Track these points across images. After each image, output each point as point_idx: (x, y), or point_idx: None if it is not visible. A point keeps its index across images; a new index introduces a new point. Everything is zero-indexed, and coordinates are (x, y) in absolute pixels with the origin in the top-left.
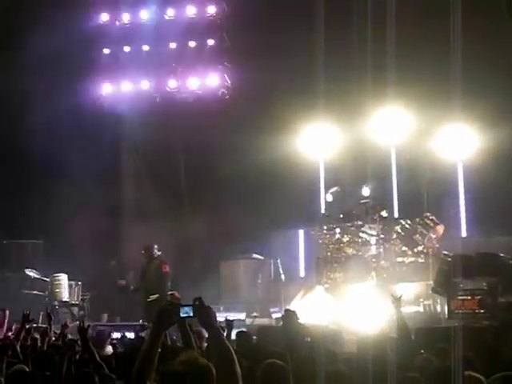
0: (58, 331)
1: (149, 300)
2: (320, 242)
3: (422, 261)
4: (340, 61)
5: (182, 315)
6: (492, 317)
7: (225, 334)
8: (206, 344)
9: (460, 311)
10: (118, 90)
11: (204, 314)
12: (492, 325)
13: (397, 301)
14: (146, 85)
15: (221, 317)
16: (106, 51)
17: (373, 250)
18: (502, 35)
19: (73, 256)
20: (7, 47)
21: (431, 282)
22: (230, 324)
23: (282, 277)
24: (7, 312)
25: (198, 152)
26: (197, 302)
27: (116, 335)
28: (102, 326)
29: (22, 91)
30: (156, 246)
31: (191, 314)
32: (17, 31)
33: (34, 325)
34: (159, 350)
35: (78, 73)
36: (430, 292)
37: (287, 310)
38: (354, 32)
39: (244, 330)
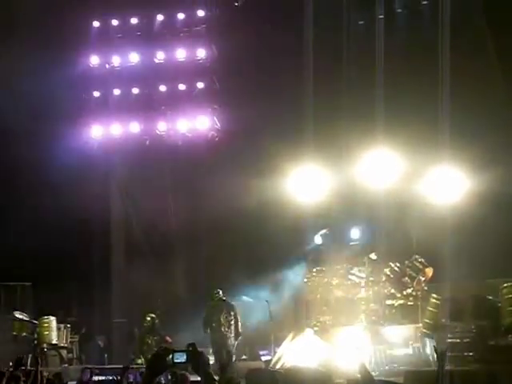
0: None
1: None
2: (309, 284)
3: (411, 303)
4: (329, 103)
5: (175, 361)
6: (481, 360)
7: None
8: None
9: (449, 354)
10: (107, 132)
11: (197, 359)
12: (482, 368)
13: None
14: (135, 127)
15: (211, 360)
16: (96, 94)
17: (362, 292)
18: (489, 78)
19: (62, 299)
20: None
21: (420, 325)
22: (224, 368)
23: (272, 319)
24: None
25: (187, 194)
26: (190, 348)
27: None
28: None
29: (10, 132)
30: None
31: (184, 360)
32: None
33: (23, 368)
34: None
35: (68, 115)
36: (419, 334)
37: None
38: (343, 75)
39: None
